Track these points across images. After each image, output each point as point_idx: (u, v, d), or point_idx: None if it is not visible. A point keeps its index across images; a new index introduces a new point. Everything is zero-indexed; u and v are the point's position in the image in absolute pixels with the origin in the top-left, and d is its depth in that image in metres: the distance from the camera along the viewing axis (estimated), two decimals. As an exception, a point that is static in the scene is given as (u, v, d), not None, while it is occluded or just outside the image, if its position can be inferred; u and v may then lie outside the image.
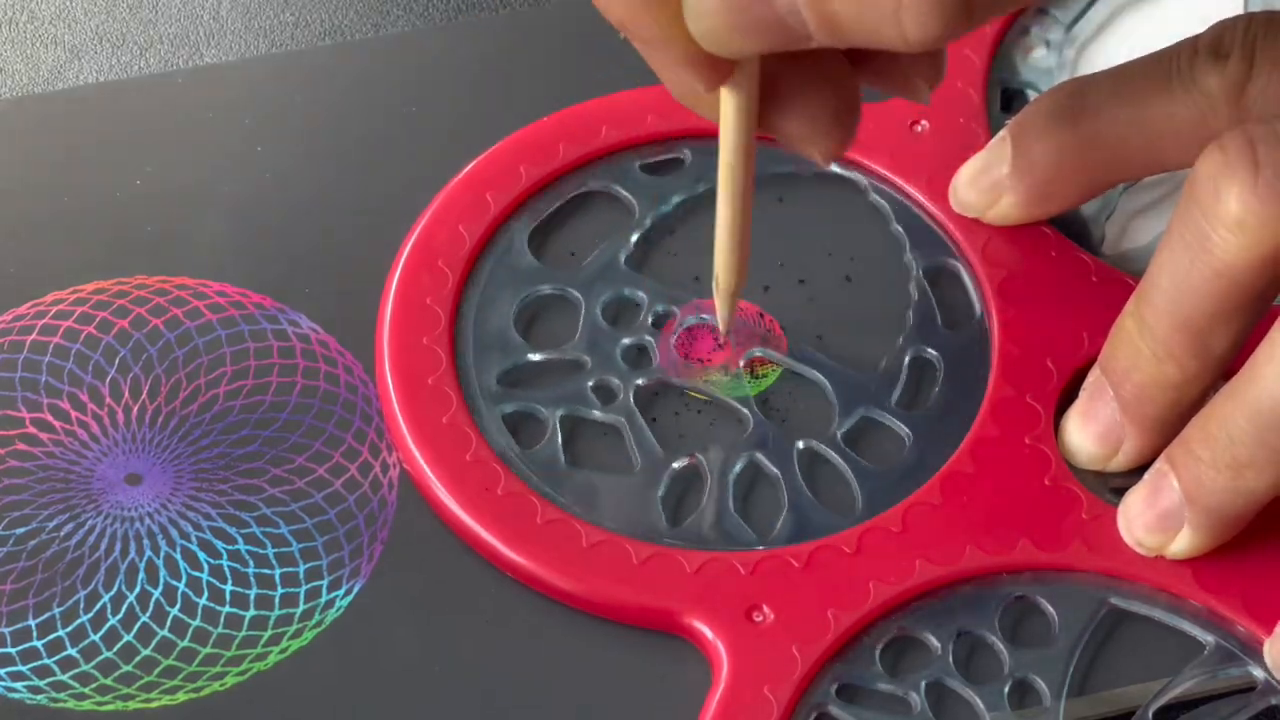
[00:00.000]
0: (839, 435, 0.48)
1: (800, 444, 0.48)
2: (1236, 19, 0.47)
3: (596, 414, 0.48)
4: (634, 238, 0.51)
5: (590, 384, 0.48)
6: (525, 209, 0.51)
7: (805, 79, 0.42)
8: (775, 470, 0.47)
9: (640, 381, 0.48)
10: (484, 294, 0.49)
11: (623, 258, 0.50)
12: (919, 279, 0.50)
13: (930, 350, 0.49)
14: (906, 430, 0.48)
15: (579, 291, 0.50)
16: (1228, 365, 0.44)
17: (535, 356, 0.49)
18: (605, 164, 0.52)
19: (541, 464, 0.47)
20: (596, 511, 0.46)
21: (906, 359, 0.49)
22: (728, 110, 0.43)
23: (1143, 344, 0.45)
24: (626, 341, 0.49)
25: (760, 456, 0.47)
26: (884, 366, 0.49)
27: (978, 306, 0.50)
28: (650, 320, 0.49)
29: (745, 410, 0.48)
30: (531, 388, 0.48)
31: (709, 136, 0.50)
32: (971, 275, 0.50)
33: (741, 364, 0.49)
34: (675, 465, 0.47)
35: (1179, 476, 0.44)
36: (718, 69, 0.40)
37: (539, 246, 0.50)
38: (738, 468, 0.47)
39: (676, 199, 0.51)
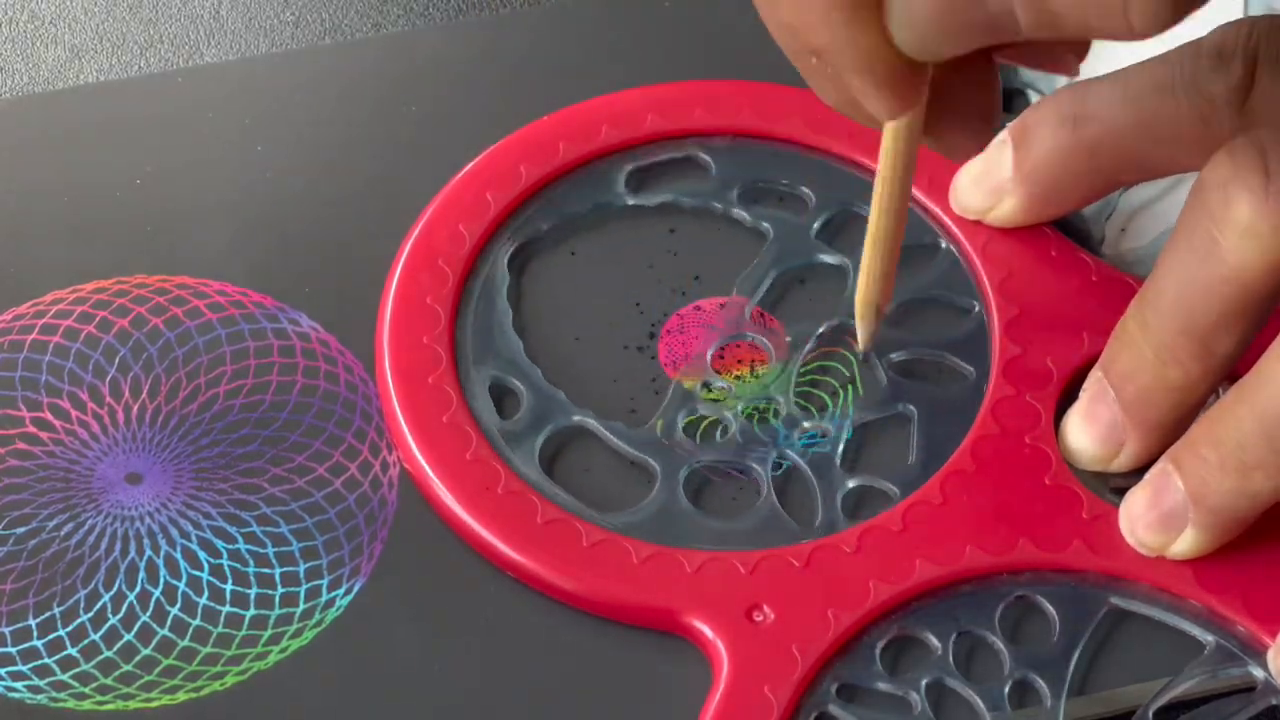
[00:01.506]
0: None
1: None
2: (1239, 23, 0.47)
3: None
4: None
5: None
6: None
7: (957, 81, 0.42)
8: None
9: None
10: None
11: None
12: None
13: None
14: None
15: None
16: (1232, 369, 0.44)
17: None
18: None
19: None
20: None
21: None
22: (896, 127, 0.43)
23: (1146, 347, 0.45)
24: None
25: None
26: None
27: (978, 306, 0.50)
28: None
29: (731, 417, 0.48)
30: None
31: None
32: (971, 275, 0.50)
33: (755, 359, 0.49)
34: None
35: (1184, 477, 0.44)
36: (913, 90, 0.40)
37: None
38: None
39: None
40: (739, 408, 0.48)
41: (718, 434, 0.48)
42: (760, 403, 0.48)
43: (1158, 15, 0.36)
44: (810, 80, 0.40)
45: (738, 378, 0.49)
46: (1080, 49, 0.42)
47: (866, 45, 0.39)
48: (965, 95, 0.42)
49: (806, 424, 0.48)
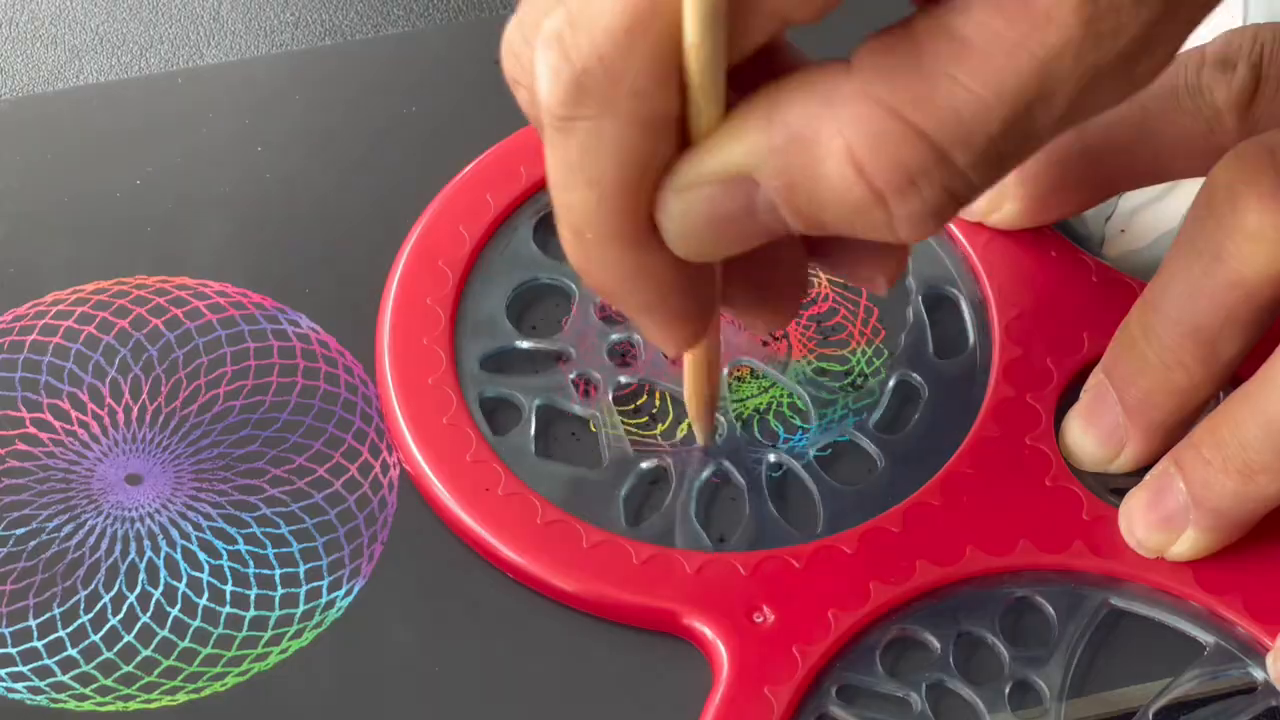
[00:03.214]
0: (815, 448, 0.48)
1: (772, 457, 0.48)
2: (1244, 30, 0.47)
3: (575, 407, 0.48)
4: None
5: (572, 377, 0.48)
6: (530, 203, 0.51)
7: (757, 260, 0.41)
8: (742, 480, 0.47)
9: (622, 379, 0.48)
10: (482, 277, 0.49)
11: None
12: (918, 279, 0.50)
13: (930, 349, 0.49)
14: (906, 430, 0.48)
15: (575, 284, 0.50)
16: (1235, 371, 0.44)
17: (523, 344, 0.49)
18: None
19: (511, 450, 0.47)
20: (562, 503, 0.46)
21: (906, 358, 0.49)
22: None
23: (1149, 350, 0.45)
24: (615, 338, 0.49)
25: (729, 465, 0.47)
26: (884, 365, 0.49)
27: (978, 307, 0.50)
28: None
29: (721, 418, 0.48)
30: (513, 374, 0.48)
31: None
32: (972, 275, 0.50)
33: (726, 371, 0.49)
34: (644, 466, 0.47)
35: (1186, 479, 0.44)
36: (703, 318, 0.40)
37: (544, 239, 0.50)
38: (704, 475, 0.47)
39: None
40: (740, 409, 0.48)
41: (718, 435, 0.48)
42: (761, 403, 0.48)
43: (925, 228, 0.36)
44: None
45: (738, 379, 0.49)
46: (890, 271, 0.41)
47: (645, 275, 0.38)
48: (761, 272, 0.41)
49: (807, 425, 0.48)
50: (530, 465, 0.47)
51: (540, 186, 0.51)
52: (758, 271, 0.40)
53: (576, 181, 0.37)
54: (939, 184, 0.36)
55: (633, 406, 0.48)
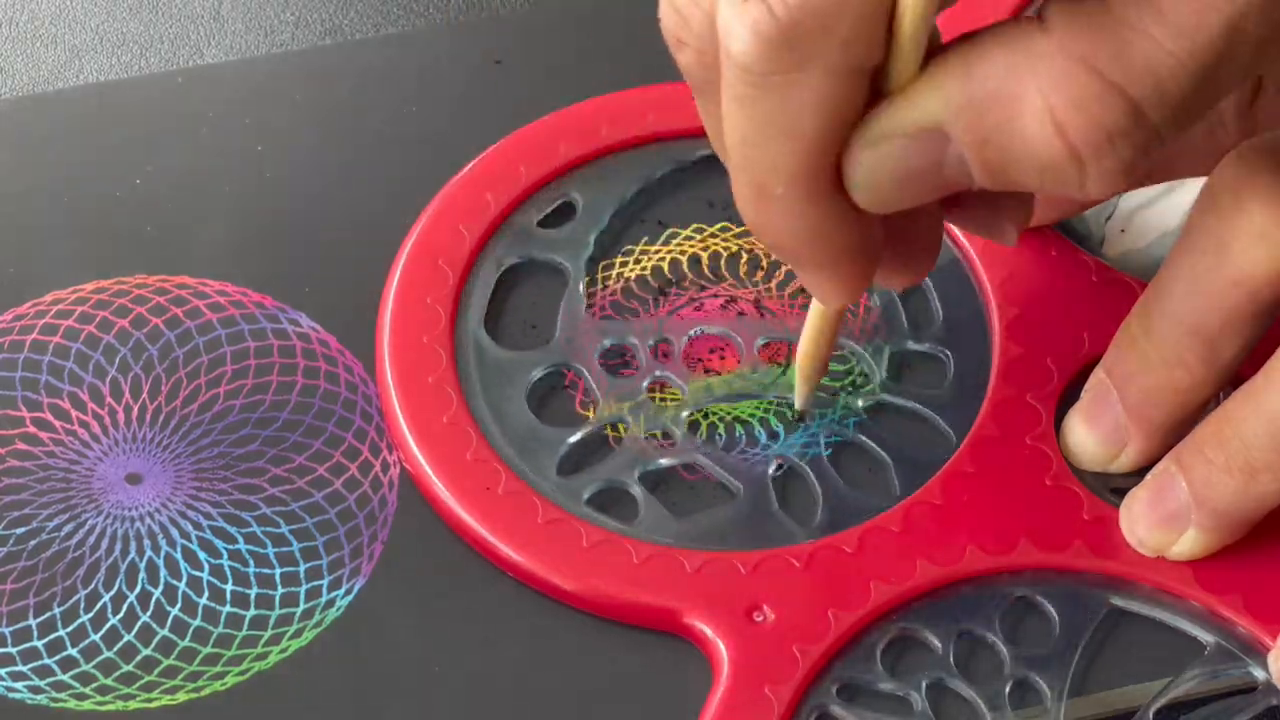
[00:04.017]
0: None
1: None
2: None
3: (664, 461, 0.48)
4: (581, 288, 0.50)
5: (643, 437, 0.48)
6: (465, 296, 0.50)
7: (900, 213, 0.40)
8: (858, 436, 0.48)
9: (684, 415, 0.48)
10: (490, 401, 0.48)
11: (583, 309, 0.50)
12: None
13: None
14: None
15: (572, 360, 0.49)
16: (1236, 371, 0.44)
17: (575, 438, 0.48)
18: (505, 237, 0.50)
19: (653, 528, 0.46)
20: (739, 545, 0.46)
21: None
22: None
23: (1150, 349, 0.45)
24: (645, 383, 0.49)
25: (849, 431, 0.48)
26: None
27: (978, 307, 0.50)
28: (649, 353, 0.49)
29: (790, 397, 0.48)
30: (593, 464, 0.47)
31: (589, 164, 0.51)
32: (972, 275, 0.50)
33: (756, 352, 0.49)
34: (771, 472, 0.47)
35: (1188, 478, 0.44)
36: (864, 280, 0.40)
37: (498, 336, 0.49)
38: (812, 451, 0.47)
39: (592, 238, 0.51)
40: (739, 407, 0.48)
41: (719, 434, 0.48)
42: (761, 402, 0.48)
43: (1112, 188, 0.37)
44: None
45: (738, 377, 0.49)
46: (1020, 221, 0.41)
47: (827, 229, 0.38)
48: (900, 231, 0.41)
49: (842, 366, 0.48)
50: (680, 532, 0.46)
51: (539, 187, 0.51)
52: (899, 226, 0.40)
53: (773, 136, 0.37)
54: (1135, 142, 0.36)
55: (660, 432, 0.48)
